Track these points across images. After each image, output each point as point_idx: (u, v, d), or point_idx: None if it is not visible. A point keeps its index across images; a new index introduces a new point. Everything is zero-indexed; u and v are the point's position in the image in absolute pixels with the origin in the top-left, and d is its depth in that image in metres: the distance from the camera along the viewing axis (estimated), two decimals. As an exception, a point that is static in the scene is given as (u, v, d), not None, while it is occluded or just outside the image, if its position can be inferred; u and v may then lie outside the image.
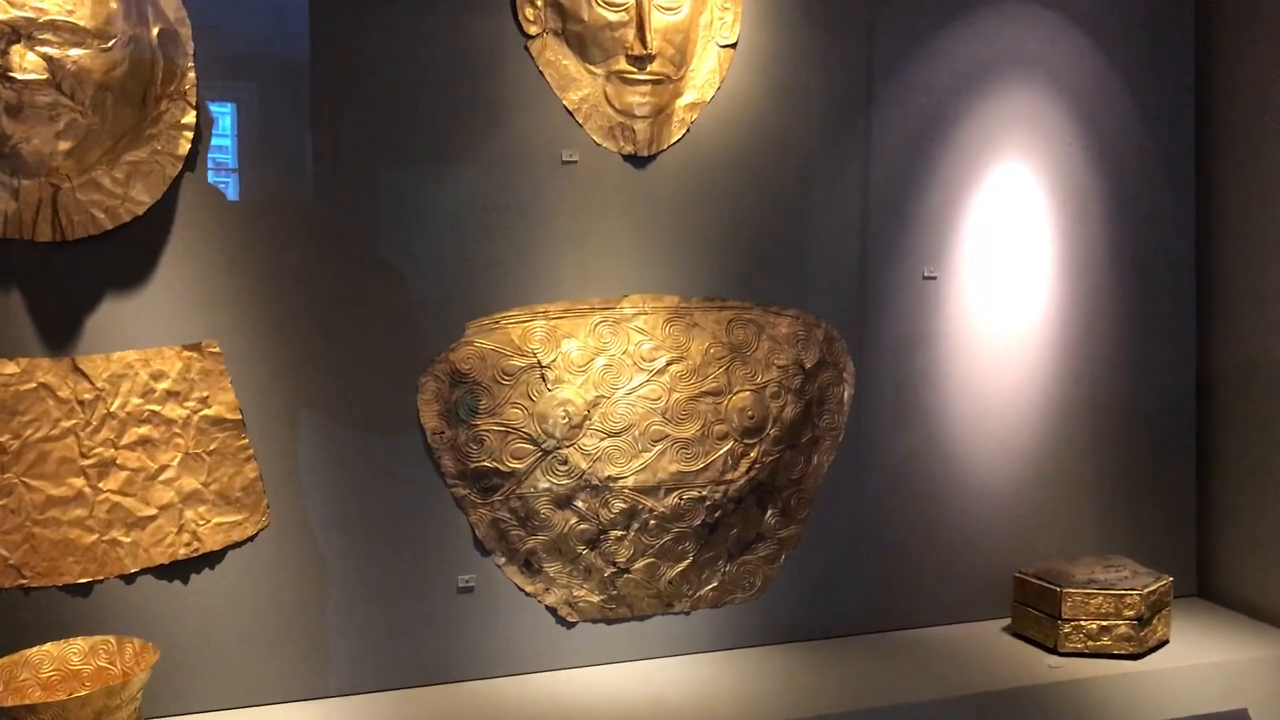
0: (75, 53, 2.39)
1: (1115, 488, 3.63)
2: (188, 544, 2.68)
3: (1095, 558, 3.44)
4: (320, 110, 2.78)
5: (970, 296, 3.39)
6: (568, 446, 2.92)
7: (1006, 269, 3.44)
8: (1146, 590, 3.16)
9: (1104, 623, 3.15)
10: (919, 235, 3.32)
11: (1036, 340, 3.50)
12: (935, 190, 3.33)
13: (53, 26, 2.36)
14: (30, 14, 2.34)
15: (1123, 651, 3.15)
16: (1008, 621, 3.41)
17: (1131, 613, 3.14)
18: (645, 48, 2.87)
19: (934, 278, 3.34)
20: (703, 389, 3.02)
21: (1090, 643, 3.17)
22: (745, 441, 3.06)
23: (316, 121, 2.78)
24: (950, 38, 3.32)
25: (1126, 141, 3.56)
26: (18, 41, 2.34)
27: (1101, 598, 3.15)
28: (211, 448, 2.70)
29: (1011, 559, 3.45)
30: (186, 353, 2.67)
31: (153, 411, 2.64)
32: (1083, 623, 3.16)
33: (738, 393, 3.05)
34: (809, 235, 3.20)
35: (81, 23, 2.39)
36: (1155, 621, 3.21)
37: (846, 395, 3.24)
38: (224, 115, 2.70)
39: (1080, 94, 3.49)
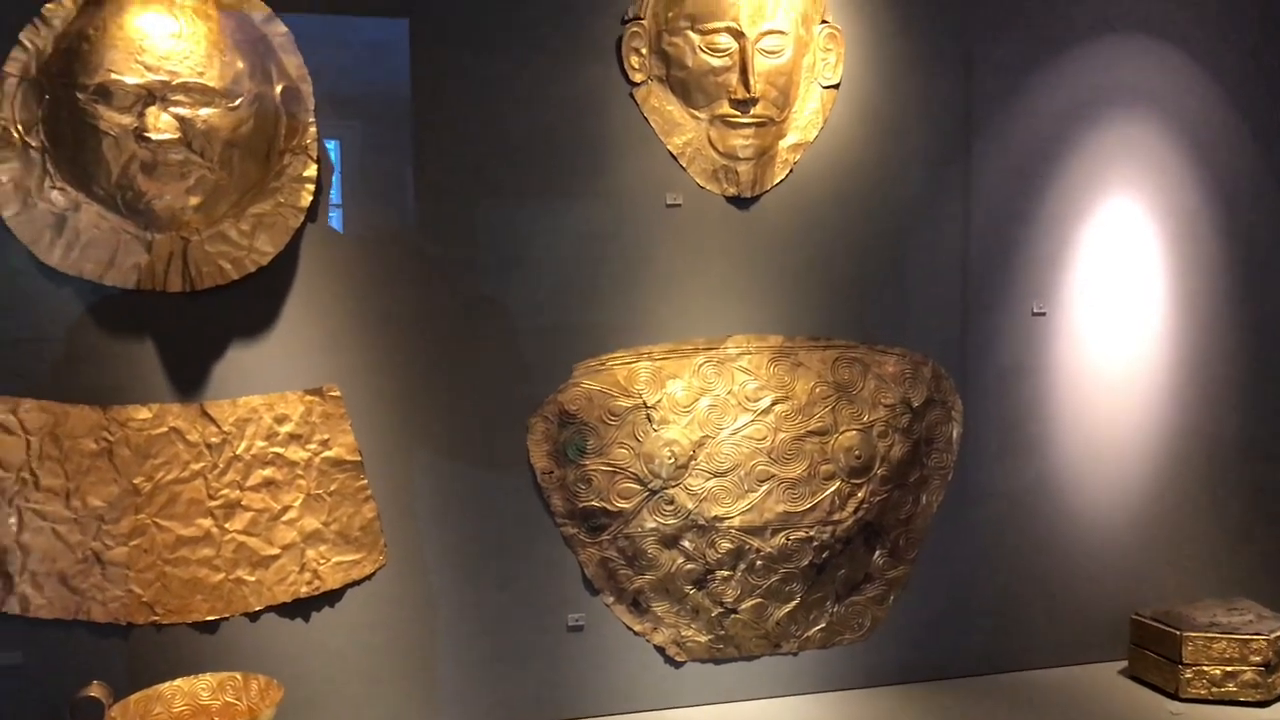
0: (205, 112, 2.51)
1: (1237, 525, 3.52)
2: (309, 582, 2.77)
3: (1217, 600, 3.34)
4: (423, 149, 2.86)
5: (1081, 331, 3.34)
6: (674, 486, 2.94)
7: (1118, 302, 3.37)
8: (1274, 634, 3.05)
9: (1228, 668, 3.05)
10: (1026, 271, 3.28)
11: (1151, 374, 3.43)
12: (1042, 225, 3.29)
13: (185, 88, 2.48)
14: (164, 77, 2.47)
15: (1249, 699, 3.05)
16: (1125, 664, 3.32)
17: (1258, 658, 3.03)
18: (749, 92, 2.90)
19: (1043, 313, 3.29)
20: (808, 428, 3.01)
21: (1214, 689, 3.07)
22: (852, 481, 3.04)
23: (419, 161, 2.86)
24: (1052, 72, 3.28)
25: (1238, 167, 3.47)
26: (153, 103, 2.47)
27: (1225, 642, 3.05)
28: (332, 488, 2.78)
29: (1128, 600, 3.36)
30: (308, 397, 2.76)
31: (276, 454, 2.74)
32: (1205, 668, 3.07)
33: (844, 432, 3.04)
34: (914, 273, 3.19)
35: (211, 84, 2.51)
36: (1283, 667, 3.10)
37: (955, 434, 3.21)
38: (329, 151, 2.79)
39: (1188, 121, 3.41)
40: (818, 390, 3.04)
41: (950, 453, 3.21)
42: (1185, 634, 3.07)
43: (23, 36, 2.52)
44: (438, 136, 2.86)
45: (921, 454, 3.17)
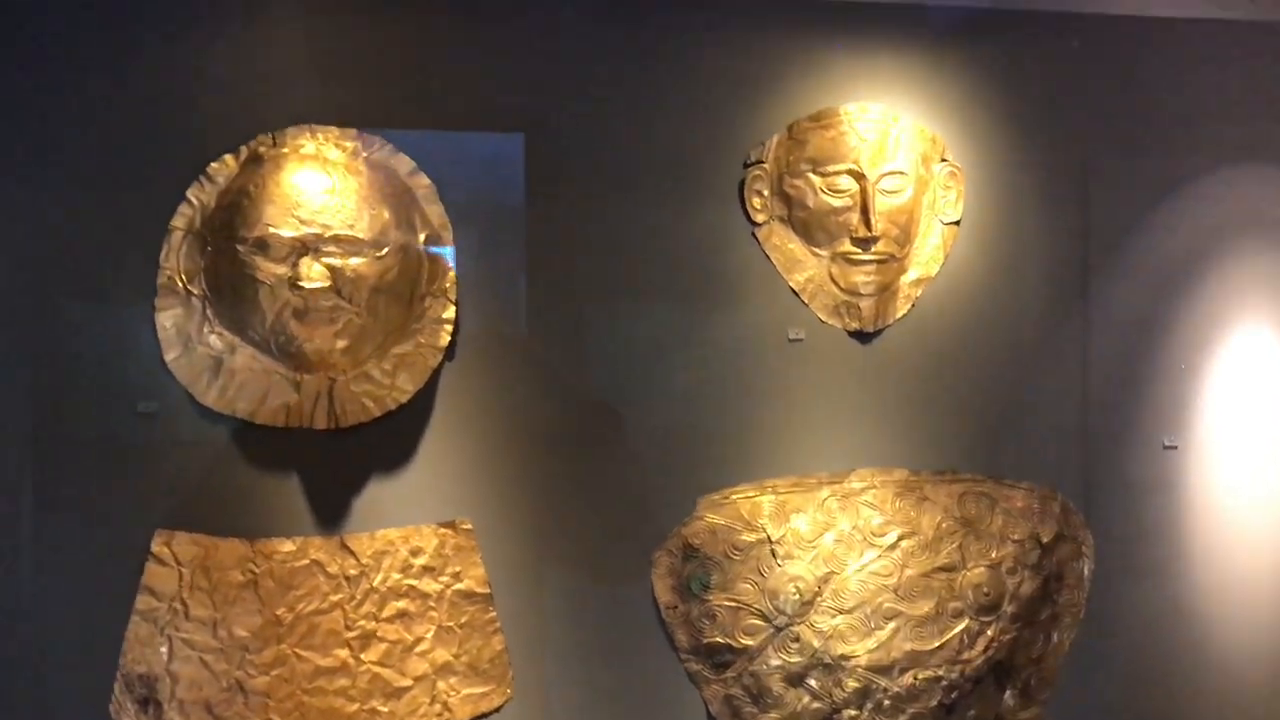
0: (354, 261, 2.66)
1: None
2: (439, 714, 2.81)
3: (1376, 749, 3.16)
4: (538, 269, 2.95)
5: (1217, 465, 3.25)
6: (799, 623, 2.92)
7: (1255, 434, 3.28)
8: None
9: (1393, 826, 2.88)
10: (1156, 403, 3.23)
11: (1292, 507, 3.32)
12: (1170, 356, 3.24)
13: (336, 240, 2.65)
14: (318, 230, 2.63)
15: None
16: (1277, 817, 3.16)
17: None
18: (870, 230, 2.96)
19: (1174, 447, 3.23)
20: (936, 565, 2.98)
21: None
22: (981, 619, 2.99)
23: (533, 274, 2.95)
24: (1175, 201, 3.25)
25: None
26: (306, 254, 2.63)
27: (1388, 798, 2.89)
28: (462, 620, 2.84)
29: (1278, 747, 3.21)
30: (442, 530, 2.85)
31: (410, 586, 2.82)
32: (1368, 825, 2.90)
33: (972, 568, 3.00)
34: (1040, 406, 3.16)
35: (360, 235, 2.67)
36: None
37: (1086, 570, 3.14)
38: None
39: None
40: (944, 525, 3.01)
41: (1082, 589, 3.14)
42: (1343, 788, 2.92)
43: (189, 193, 2.73)
44: (550, 252, 2.95)
45: (1052, 591, 3.10)
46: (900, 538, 2.99)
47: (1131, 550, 3.21)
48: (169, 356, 2.72)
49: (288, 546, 2.77)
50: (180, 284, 2.72)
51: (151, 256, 2.72)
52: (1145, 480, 3.22)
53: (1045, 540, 3.07)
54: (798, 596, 2.92)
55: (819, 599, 2.93)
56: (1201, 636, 3.26)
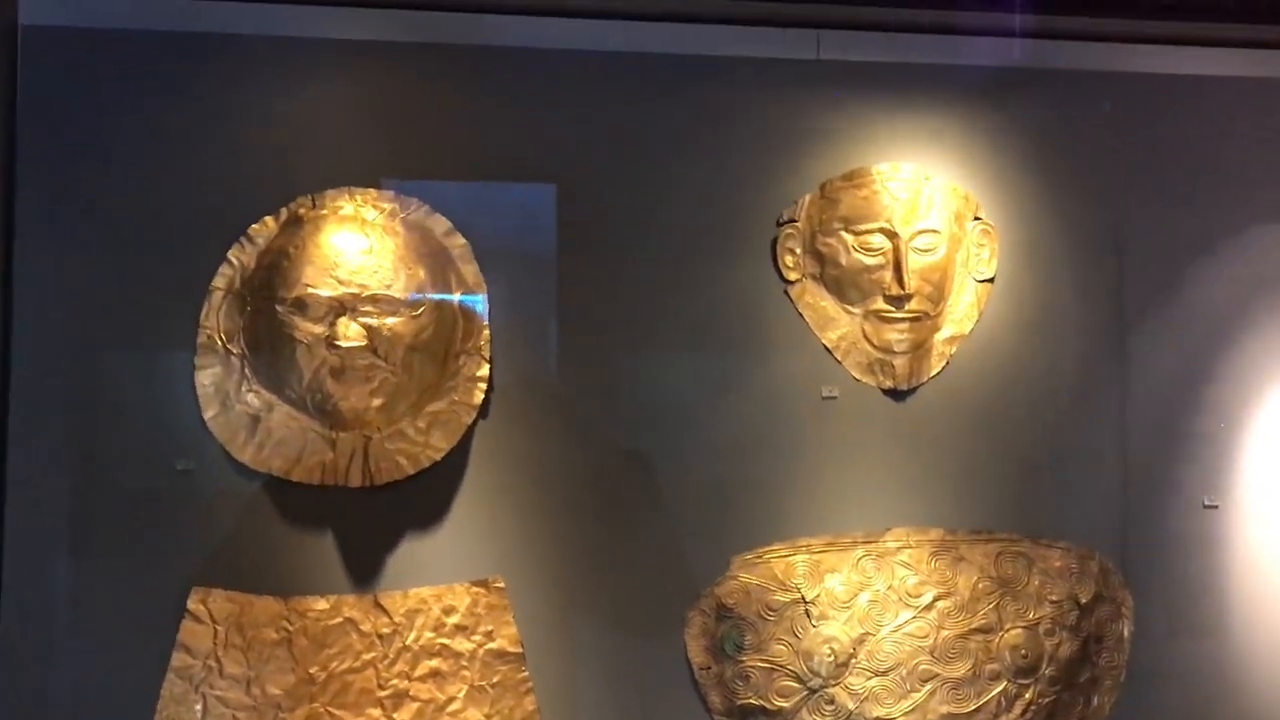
0: (390, 320, 2.69)
1: None
2: (471, 775, 2.80)
3: None
4: (570, 322, 2.97)
5: (1258, 525, 3.20)
6: (834, 685, 2.89)
7: (1297, 493, 3.24)
8: None
9: None
10: (1195, 462, 3.19)
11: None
12: (1209, 414, 3.20)
13: (373, 300, 2.68)
14: (355, 290, 2.66)
15: None
16: None
17: None
18: (903, 288, 2.96)
19: (1215, 506, 3.18)
20: (972, 626, 2.94)
21: None
22: (1019, 682, 2.94)
23: (565, 327, 2.97)
24: (1212, 257, 3.24)
25: None
26: (344, 314, 2.66)
27: None
28: (494, 680, 2.83)
29: (1328, 816, 3.13)
30: (474, 588, 2.85)
31: (443, 645, 2.81)
32: None
33: (1009, 630, 2.96)
34: (1077, 464, 3.13)
35: (396, 294, 2.70)
36: None
37: (1126, 632, 3.09)
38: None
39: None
40: (981, 585, 2.97)
41: (1122, 651, 3.09)
42: None
43: (230, 254, 2.78)
44: (582, 305, 2.97)
45: (1091, 653, 3.05)
46: (936, 598, 2.95)
47: (1172, 612, 3.16)
48: (207, 414, 2.75)
49: (321, 604, 2.78)
50: (220, 343, 2.76)
51: (192, 316, 2.76)
52: (1185, 540, 3.17)
53: (1084, 601, 3.03)
54: (832, 658, 2.89)
55: (854, 660, 2.90)
56: (1245, 700, 3.19)
